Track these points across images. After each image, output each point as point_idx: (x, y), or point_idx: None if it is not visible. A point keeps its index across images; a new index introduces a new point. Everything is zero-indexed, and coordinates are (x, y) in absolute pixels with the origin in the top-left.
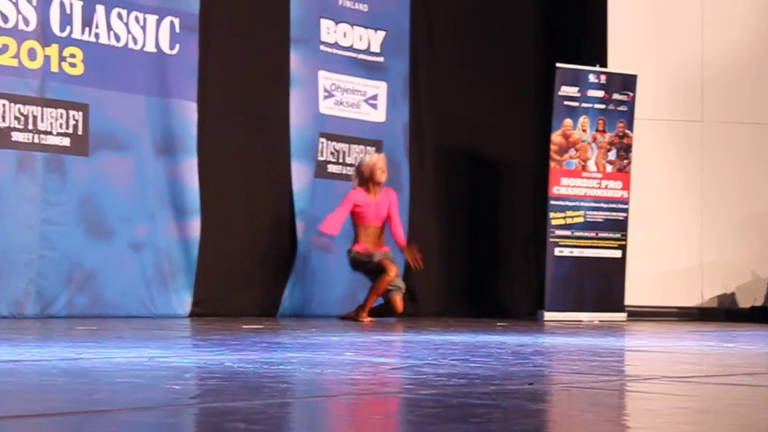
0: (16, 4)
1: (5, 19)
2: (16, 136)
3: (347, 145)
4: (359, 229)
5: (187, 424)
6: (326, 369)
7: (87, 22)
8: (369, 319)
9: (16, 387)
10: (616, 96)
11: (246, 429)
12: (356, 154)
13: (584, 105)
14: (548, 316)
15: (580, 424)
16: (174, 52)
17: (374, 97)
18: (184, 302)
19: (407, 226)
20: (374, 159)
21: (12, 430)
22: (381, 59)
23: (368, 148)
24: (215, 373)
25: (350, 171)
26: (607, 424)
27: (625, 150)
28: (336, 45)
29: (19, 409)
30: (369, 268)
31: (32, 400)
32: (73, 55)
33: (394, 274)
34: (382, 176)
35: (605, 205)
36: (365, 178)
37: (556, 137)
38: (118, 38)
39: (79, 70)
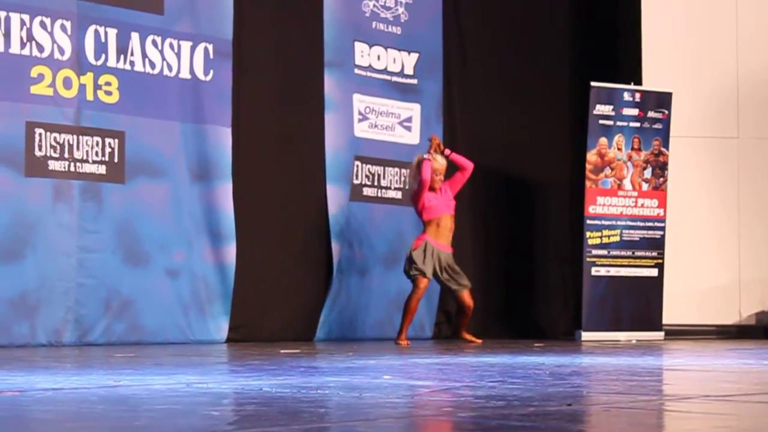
0: (51, 34)
1: (41, 49)
2: (53, 165)
3: (382, 167)
4: (429, 221)
5: None
6: (364, 393)
7: (122, 50)
8: (406, 342)
9: (55, 415)
10: (651, 114)
11: None
12: (391, 176)
13: (619, 123)
14: (586, 336)
15: None
16: (208, 78)
17: (408, 120)
18: (221, 328)
19: None
20: (436, 164)
21: None
22: (415, 81)
23: (403, 170)
24: (253, 398)
25: (385, 194)
26: None
27: (660, 168)
28: (370, 68)
29: None
30: (410, 273)
31: (72, 428)
32: (108, 83)
33: (423, 287)
34: (435, 183)
35: (641, 224)
36: (429, 179)
37: (591, 156)
38: (153, 65)
39: (114, 97)
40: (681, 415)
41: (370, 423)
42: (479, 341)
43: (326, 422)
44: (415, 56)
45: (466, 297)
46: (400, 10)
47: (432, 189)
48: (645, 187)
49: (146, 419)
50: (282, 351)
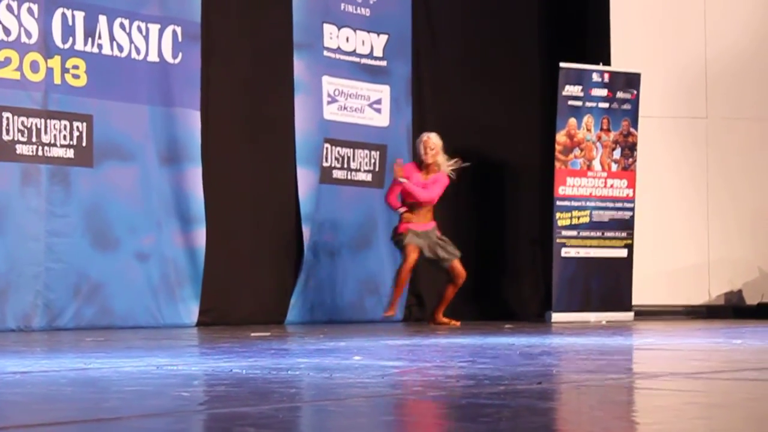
0: (17, 17)
1: (7, 32)
2: (20, 149)
3: (352, 150)
4: (407, 206)
5: (196, 430)
6: (335, 373)
7: (89, 33)
8: (393, 312)
9: (24, 398)
10: (619, 94)
11: None
12: (361, 159)
13: (588, 104)
14: (556, 317)
15: (589, 421)
16: (177, 61)
17: (378, 102)
18: (191, 311)
19: None
20: (424, 137)
21: None
22: (384, 63)
23: (372, 152)
24: (224, 379)
25: (355, 176)
26: (616, 421)
27: (629, 148)
28: (339, 50)
29: (28, 418)
30: (399, 242)
31: (41, 409)
32: (76, 67)
33: (412, 259)
34: (426, 156)
35: (611, 205)
36: (417, 155)
37: (560, 137)
38: (120, 48)
39: (82, 81)
40: (651, 392)
41: (340, 402)
42: (457, 323)
43: (297, 402)
44: (384, 38)
45: (458, 266)
46: None
47: (424, 162)
48: (614, 167)
49: (116, 400)
50: (252, 334)
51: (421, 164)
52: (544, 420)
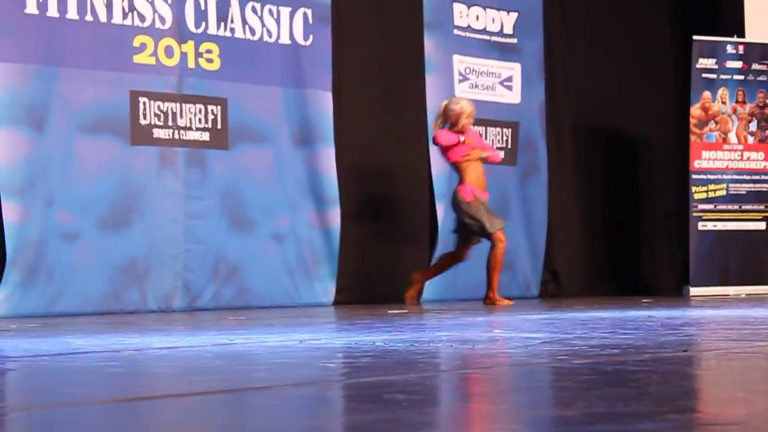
0: (152, 3)
1: (142, 19)
2: (157, 133)
3: (484, 127)
4: (465, 167)
5: (347, 397)
6: (477, 345)
7: (222, 17)
8: (504, 300)
9: (175, 370)
10: (755, 66)
11: (406, 399)
12: (493, 136)
13: (723, 77)
14: (694, 291)
15: (739, 385)
16: (308, 43)
17: (509, 79)
18: (328, 290)
19: (546, 208)
20: (464, 108)
21: (182, 407)
22: (514, 41)
23: (504, 130)
24: (367, 351)
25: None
26: (766, 385)
27: (766, 120)
28: (469, 28)
29: (183, 388)
30: (468, 228)
31: (193, 380)
32: (209, 51)
33: (503, 245)
34: (467, 126)
35: (748, 177)
36: (449, 123)
37: (695, 111)
38: (253, 32)
39: (215, 65)
40: None
41: (486, 371)
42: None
43: (442, 371)
44: (514, 15)
45: (470, 252)
46: None
47: (459, 131)
48: (751, 140)
49: (264, 372)
50: (390, 311)
51: (450, 129)
52: (693, 385)
